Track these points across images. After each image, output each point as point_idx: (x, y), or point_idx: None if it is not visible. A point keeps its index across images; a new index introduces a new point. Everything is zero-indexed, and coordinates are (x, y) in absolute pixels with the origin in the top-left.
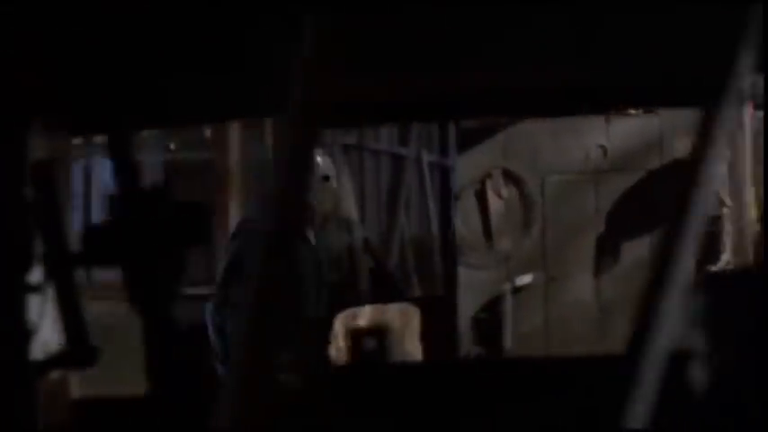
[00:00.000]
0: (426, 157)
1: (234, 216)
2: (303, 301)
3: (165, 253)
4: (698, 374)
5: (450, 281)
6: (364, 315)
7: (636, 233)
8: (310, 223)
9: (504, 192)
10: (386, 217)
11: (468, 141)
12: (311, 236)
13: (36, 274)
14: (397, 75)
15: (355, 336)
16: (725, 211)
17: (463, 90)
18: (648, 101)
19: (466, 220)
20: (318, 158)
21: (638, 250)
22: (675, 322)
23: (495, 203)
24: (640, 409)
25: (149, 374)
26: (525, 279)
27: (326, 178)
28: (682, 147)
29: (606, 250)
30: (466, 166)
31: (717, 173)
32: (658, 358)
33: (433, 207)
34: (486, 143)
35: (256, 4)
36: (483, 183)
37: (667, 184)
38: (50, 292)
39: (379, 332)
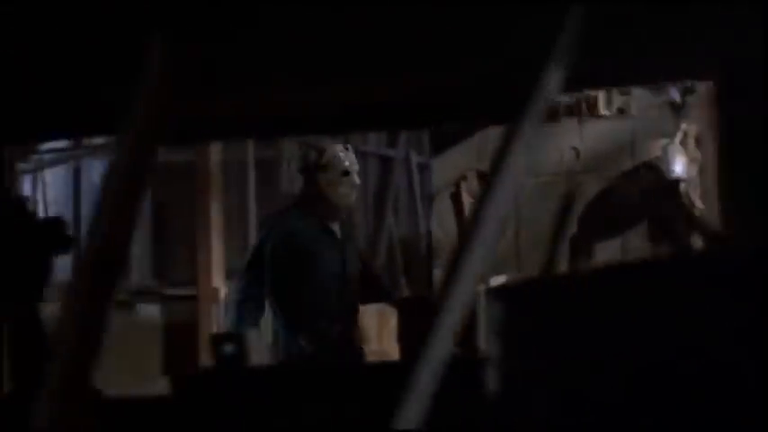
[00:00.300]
0: (415, 159)
1: (215, 216)
2: (326, 295)
3: (27, 261)
4: (491, 380)
5: (428, 281)
6: None
7: (608, 234)
8: (335, 217)
9: (479, 193)
10: (373, 219)
11: (443, 143)
12: (336, 228)
13: None
14: (238, 93)
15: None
16: (696, 213)
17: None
18: (448, 116)
19: (441, 222)
20: (341, 153)
21: (610, 250)
22: (454, 329)
23: (469, 205)
24: (413, 411)
25: (14, 374)
26: (499, 280)
27: (346, 173)
28: (653, 149)
29: (579, 251)
30: (441, 169)
31: (513, 185)
32: (436, 363)
33: (421, 208)
34: (461, 145)
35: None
36: (458, 185)
37: (639, 186)
38: None
39: None
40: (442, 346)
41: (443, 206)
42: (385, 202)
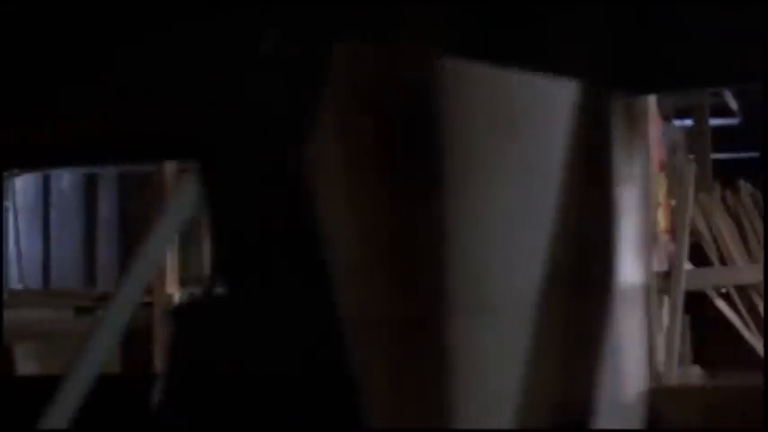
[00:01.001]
0: None
1: None
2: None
3: None
4: (156, 396)
5: None
6: None
7: None
8: None
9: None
10: None
11: None
12: None
13: None
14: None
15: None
16: None
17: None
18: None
19: None
20: None
21: None
22: (107, 344)
23: None
24: (61, 412)
25: None
26: None
27: None
28: None
29: None
30: None
31: (191, 199)
32: (85, 376)
33: None
34: None
35: None
36: None
37: None
38: None
39: None
40: (95, 353)
41: None
42: None
